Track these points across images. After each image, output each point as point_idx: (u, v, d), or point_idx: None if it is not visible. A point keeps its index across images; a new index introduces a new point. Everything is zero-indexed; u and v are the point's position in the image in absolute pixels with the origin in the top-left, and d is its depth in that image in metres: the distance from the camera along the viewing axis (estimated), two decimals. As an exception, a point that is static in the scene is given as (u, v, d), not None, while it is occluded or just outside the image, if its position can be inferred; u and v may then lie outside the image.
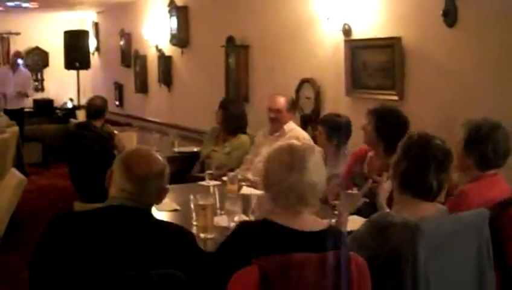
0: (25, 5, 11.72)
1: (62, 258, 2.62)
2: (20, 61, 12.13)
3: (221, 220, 3.98)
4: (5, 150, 7.74)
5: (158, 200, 2.91)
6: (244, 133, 6.72)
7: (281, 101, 6.08)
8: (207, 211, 3.84)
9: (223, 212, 4.10)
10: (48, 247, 2.68)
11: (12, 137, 8.13)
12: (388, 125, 4.52)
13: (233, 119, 6.68)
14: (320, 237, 2.67)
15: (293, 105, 6.18)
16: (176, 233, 2.85)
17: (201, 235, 3.78)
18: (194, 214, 3.97)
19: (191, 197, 4.01)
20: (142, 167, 2.79)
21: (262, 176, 2.82)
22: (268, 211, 2.83)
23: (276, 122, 6.08)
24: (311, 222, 2.73)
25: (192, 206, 3.99)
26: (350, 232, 3.67)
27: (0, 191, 5.12)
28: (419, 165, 3.11)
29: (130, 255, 2.65)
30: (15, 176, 5.00)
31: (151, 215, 2.85)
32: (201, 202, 3.86)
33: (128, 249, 2.66)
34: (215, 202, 4.06)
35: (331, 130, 5.18)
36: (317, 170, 2.72)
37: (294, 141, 2.87)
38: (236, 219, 3.85)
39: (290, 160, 2.69)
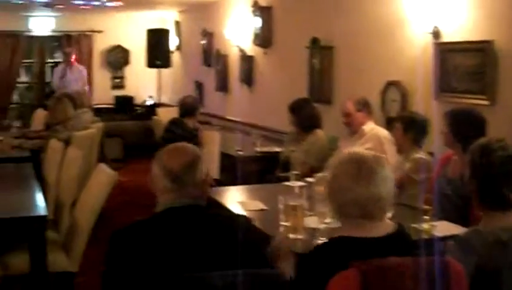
0: (110, 4, 11.89)
1: (131, 273, 2.68)
2: (73, 57, 12.34)
3: (311, 221, 3.96)
4: (91, 145, 7.91)
5: (202, 190, 2.89)
6: (319, 127, 6.79)
7: (348, 104, 6.14)
8: (297, 211, 3.83)
9: (311, 213, 4.08)
10: (115, 264, 2.75)
11: (97, 133, 8.31)
12: (462, 126, 4.54)
13: (305, 118, 6.74)
14: (389, 241, 2.61)
15: (364, 105, 6.16)
16: (236, 224, 2.86)
17: (291, 235, 3.77)
18: (282, 215, 3.96)
19: (280, 197, 4.00)
20: (173, 162, 2.83)
21: (327, 181, 2.72)
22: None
23: (349, 126, 6.18)
24: (378, 227, 2.63)
25: (281, 206, 3.98)
26: (443, 238, 3.63)
27: (87, 186, 5.19)
28: (489, 183, 2.98)
29: (198, 253, 2.70)
30: (104, 171, 5.06)
31: (204, 210, 2.88)
32: (291, 203, 3.85)
33: (194, 248, 2.71)
34: (304, 203, 4.03)
35: (407, 125, 5.21)
36: (384, 183, 2.61)
37: (365, 151, 2.77)
38: (327, 220, 3.83)
39: (358, 171, 2.59)
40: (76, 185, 5.52)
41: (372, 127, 6.08)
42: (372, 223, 2.61)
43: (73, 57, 12.37)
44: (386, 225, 2.66)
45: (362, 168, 2.60)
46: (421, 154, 5.10)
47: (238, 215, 3.07)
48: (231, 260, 2.68)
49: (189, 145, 2.97)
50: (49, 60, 14.50)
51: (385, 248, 2.56)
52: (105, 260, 2.80)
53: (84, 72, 12.53)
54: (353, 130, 6.13)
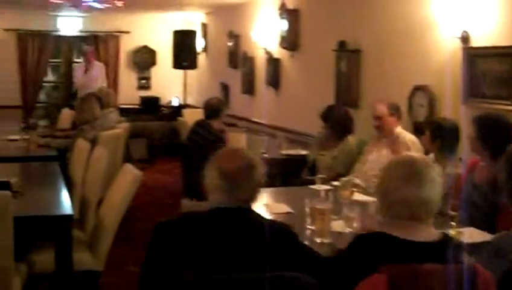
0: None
1: (173, 267, 2.74)
2: (91, 56, 12.41)
3: (337, 226, 3.94)
4: (117, 145, 7.93)
5: (253, 195, 2.94)
6: (352, 132, 6.73)
7: (381, 107, 6.04)
8: (325, 215, 3.80)
9: (336, 217, 4.06)
10: (157, 255, 2.83)
11: (124, 133, 8.33)
12: (490, 132, 4.46)
13: (339, 124, 6.66)
14: (435, 247, 2.62)
15: (397, 110, 6.09)
16: (279, 231, 2.93)
17: (318, 239, 3.76)
18: (309, 218, 3.95)
19: (306, 201, 3.99)
20: (229, 163, 2.90)
21: (378, 182, 2.82)
22: (379, 223, 2.83)
23: (380, 129, 6.07)
24: (423, 232, 2.68)
25: (307, 209, 3.97)
26: (471, 245, 3.59)
27: (113, 186, 5.21)
28: None
29: (238, 256, 2.74)
30: (130, 171, 5.06)
31: (250, 214, 2.93)
32: (319, 206, 3.84)
33: (234, 250, 2.76)
34: (332, 206, 4.01)
35: (434, 132, 5.11)
36: (433, 186, 2.69)
37: (415, 154, 2.85)
38: (354, 225, 3.81)
39: (409, 172, 2.68)
40: (102, 185, 5.53)
41: (399, 132, 6.03)
42: (417, 226, 2.68)
43: (92, 54, 12.46)
44: (431, 231, 2.71)
45: (412, 170, 2.69)
46: (453, 169, 4.99)
47: (281, 224, 3.10)
48: (269, 266, 2.69)
49: (246, 150, 3.10)
50: (76, 60, 14.55)
51: (429, 254, 2.58)
52: (147, 250, 2.88)
53: (103, 68, 12.63)
54: (383, 134, 6.04)
